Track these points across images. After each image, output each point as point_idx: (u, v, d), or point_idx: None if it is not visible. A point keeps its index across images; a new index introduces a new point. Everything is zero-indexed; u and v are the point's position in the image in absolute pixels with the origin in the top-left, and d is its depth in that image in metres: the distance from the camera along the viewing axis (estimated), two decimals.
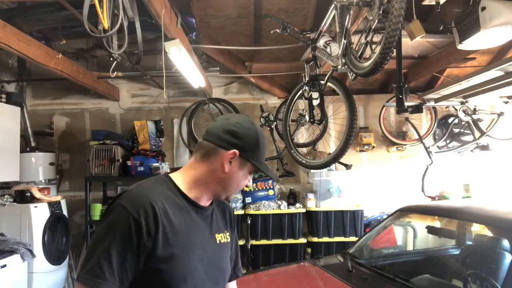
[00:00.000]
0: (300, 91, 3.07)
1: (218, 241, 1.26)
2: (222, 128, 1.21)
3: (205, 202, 1.24)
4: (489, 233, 2.73)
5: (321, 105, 2.89)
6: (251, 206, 4.53)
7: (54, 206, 4.02)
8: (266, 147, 1.29)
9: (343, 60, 2.27)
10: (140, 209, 1.06)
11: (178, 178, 1.22)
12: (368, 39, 2.05)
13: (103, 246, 1.04)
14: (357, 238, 3.84)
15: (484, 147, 4.83)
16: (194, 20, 3.53)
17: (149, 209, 1.07)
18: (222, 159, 1.18)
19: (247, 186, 1.33)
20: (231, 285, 1.43)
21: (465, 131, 4.86)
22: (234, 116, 1.29)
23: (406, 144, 4.96)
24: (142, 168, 4.42)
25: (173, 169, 4.54)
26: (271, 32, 2.98)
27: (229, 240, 1.33)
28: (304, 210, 4.50)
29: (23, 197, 3.81)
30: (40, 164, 4.41)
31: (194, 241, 1.16)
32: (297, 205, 4.59)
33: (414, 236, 3.84)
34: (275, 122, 4.66)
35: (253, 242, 4.40)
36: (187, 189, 1.20)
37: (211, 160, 1.20)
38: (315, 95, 2.91)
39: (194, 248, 1.14)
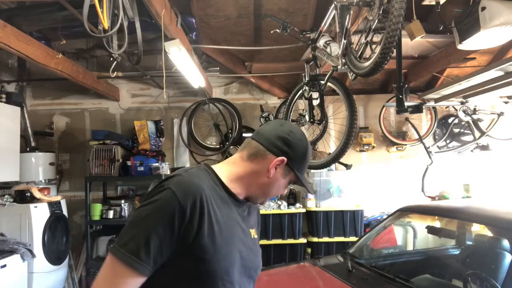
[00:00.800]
0: (300, 91, 3.07)
1: (252, 236, 1.27)
2: (275, 133, 1.21)
3: (242, 197, 1.24)
4: (489, 233, 2.73)
5: (321, 105, 2.89)
6: None
7: (54, 206, 4.02)
8: (309, 162, 1.30)
9: (343, 60, 2.27)
10: (188, 196, 1.05)
11: (221, 171, 1.21)
12: (368, 39, 2.05)
13: (145, 226, 1.02)
14: (357, 238, 3.84)
15: (484, 147, 4.83)
16: (194, 20, 3.52)
17: (197, 198, 1.05)
18: (269, 164, 1.19)
19: (281, 194, 1.32)
20: None
21: (465, 131, 4.86)
22: (288, 124, 1.29)
23: (406, 144, 4.97)
24: (142, 168, 4.42)
25: (173, 169, 4.56)
26: (271, 32, 2.98)
27: (257, 237, 1.33)
28: (304, 210, 4.50)
29: (23, 197, 3.80)
30: (40, 164, 4.41)
31: (235, 234, 1.15)
32: (297, 205, 4.59)
33: (414, 236, 3.84)
34: None
35: None
36: (228, 183, 1.20)
37: (258, 161, 1.20)
38: (315, 95, 2.91)
39: (235, 241, 1.14)
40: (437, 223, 3.23)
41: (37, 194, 3.88)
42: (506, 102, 4.34)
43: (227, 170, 1.22)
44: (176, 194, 1.04)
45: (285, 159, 1.19)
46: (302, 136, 1.25)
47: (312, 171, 4.52)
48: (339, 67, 2.38)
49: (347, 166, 4.56)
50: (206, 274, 1.07)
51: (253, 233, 1.28)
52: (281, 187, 1.26)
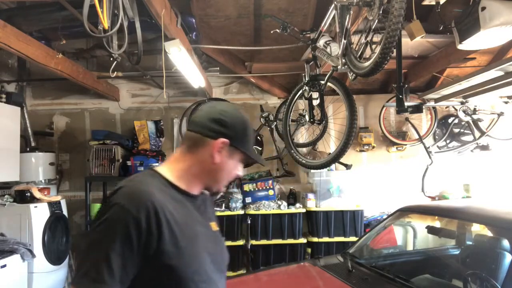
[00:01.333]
0: (300, 91, 3.07)
1: (213, 229, 1.23)
2: (208, 117, 1.16)
3: (195, 191, 1.19)
4: (489, 233, 2.73)
5: (321, 105, 2.89)
6: (251, 206, 4.53)
7: (54, 206, 4.02)
8: (253, 136, 1.25)
9: (343, 60, 2.27)
10: (140, 206, 0.99)
11: (166, 171, 1.16)
12: (368, 39, 2.05)
13: (101, 248, 0.97)
14: (357, 238, 3.84)
15: (484, 147, 4.83)
16: (194, 20, 3.52)
17: (149, 206, 1.00)
18: (211, 149, 1.13)
19: (238, 177, 1.27)
20: None
21: (465, 131, 4.86)
22: (219, 103, 1.23)
23: (406, 144, 4.96)
24: (142, 168, 4.42)
25: None
26: (271, 32, 2.98)
27: (218, 228, 1.29)
28: (304, 210, 4.50)
29: (23, 197, 3.80)
30: (40, 164, 4.41)
31: (196, 232, 1.12)
32: (297, 205, 4.59)
33: (414, 236, 3.84)
34: (275, 122, 4.66)
35: (253, 242, 4.40)
36: (177, 181, 1.15)
37: (199, 151, 1.15)
38: (315, 95, 2.91)
39: (198, 239, 1.11)
40: (437, 223, 3.23)
41: (37, 194, 3.88)
42: (506, 102, 4.34)
43: (172, 168, 1.17)
44: (126, 208, 0.98)
45: (226, 140, 1.14)
46: (237, 112, 1.20)
47: (312, 171, 4.52)
48: (339, 67, 2.38)
49: (347, 166, 4.56)
50: (177, 280, 1.03)
51: (214, 225, 1.25)
52: (232, 170, 1.20)
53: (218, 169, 1.17)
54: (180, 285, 1.03)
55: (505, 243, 2.36)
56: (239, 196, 4.57)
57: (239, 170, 1.24)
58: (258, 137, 4.95)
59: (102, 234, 0.99)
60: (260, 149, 4.97)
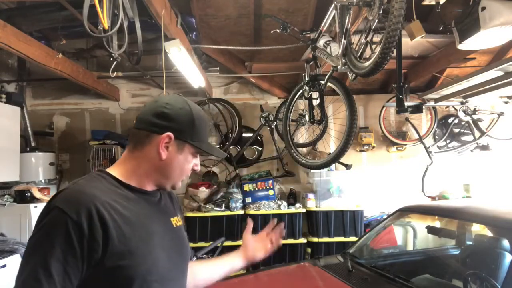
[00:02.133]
0: (300, 91, 3.07)
1: (174, 225, 1.19)
2: (151, 112, 1.10)
3: (149, 188, 1.14)
4: (489, 233, 2.73)
5: (321, 105, 2.89)
6: (251, 206, 4.53)
7: None
8: (207, 125, 1.19)
9: (343, 60, 2.27)
10: (80, 208, 0.94)
11: (115, 172, 1.11)
12: (368, 39, 2.05)
13: (39, 255, 0.91)
14: (357, 238, 3.84)
15: (484, 147, 4.84)
16: (194, 20, 3.53)
17: (91, 208, 0.94)
18: (158, 146, 1.08)
19: (194, 170, 1.20)
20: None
21: (465, 131, 4.87)
22: (164, 97, 1.15)
23: (406, 144, 4.97)
24: None
25: None
26: (271, 32, 2.98)
27: (182, 223, 1.25)
28: (304, 210, 4.50)
29: (23, 197, 3.80)
30: (40, 164, 4.41)
31: (151, 229, 1.07)
32: (297, 205, 4.59)
33: (414, 236, 3.85)
34: (275, 122, 4.66)
35: None
36: (128, 180, 1.10)
37: (146, 148, 1.10)
38: (315, 95, 2.91)
39: (152, 237, 1.06)
40: (437, 223, 3.23)
41: (37, 194, 3.87)
42: (506, 102, 4.34)
43: (120, 169, 1.12)
44: (65, 211, 0.93)
45: (171, 134, 1.08)
46: (183, 103, 1.13)
47: (312, 171, 4.52)
48: (339, 67, 2.38)
49: (347, 166, 4.56)
50: (128, 280, 0.98)
51: (175, 221, 1.20)
52: (184, 164, 1.14)
53: (167, 165, 1.11)
54: (133, 285, 0.99)
55: (505, 243, 2.37)
56: (239, 196, 4.56)
57: (196, 165, 1.19)
58: (258, 137, 4.96)
59: (41, 239, 0.94)
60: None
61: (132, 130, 1.14)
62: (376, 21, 1.91)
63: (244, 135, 4.91)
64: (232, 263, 1.48)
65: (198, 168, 1.21)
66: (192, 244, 4.11)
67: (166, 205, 1.21)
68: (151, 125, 1.09)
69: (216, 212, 4.37)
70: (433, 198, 4.70)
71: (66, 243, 0.91)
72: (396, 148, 5.01)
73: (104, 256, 0.95)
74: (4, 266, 3.19)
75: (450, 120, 4.93)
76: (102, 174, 1.09)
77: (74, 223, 0.92)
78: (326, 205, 4.54)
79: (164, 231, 1.12)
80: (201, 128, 1.15)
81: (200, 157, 1.23)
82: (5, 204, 3.75)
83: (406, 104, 2.87)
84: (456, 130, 4.93)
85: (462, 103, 4.36)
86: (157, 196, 1.17)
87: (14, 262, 3.34)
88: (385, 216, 4.02)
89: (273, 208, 4.48)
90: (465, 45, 2.77)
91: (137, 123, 1.12)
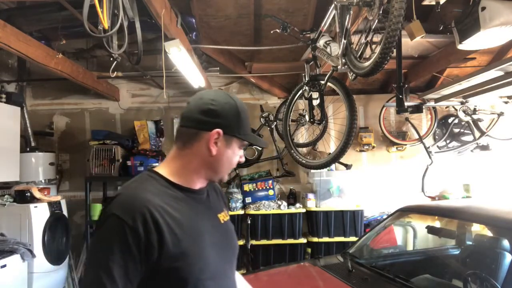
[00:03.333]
0: (300, 91, 3.07)
1: (222, 221, 1.22)
2: (198, 109, 1.13)
3: (199, 185, 1.18)
4: (489, 233, 2.73)
5: (321, 105, 2.89)
6: (251, 206, 4.53)
7: (54, 206, 4.02)
8: (249, 117, 1.21)
9: (343, 60, 2.27)
10: (135, 214, 0.98)
11: (164, 171, 1.14)
12: (368, 39, 2.05)
13: (102, 261, 0.96)
14: (357, 238, 3.84)
15: (484, 147, 4.83)
16: (194, 20, 3.52)
17: (145, 213, 0.99)
18: (207, 142, 1.11)
19: (239, 162, 1.23)
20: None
21: (465, 131, 4.86)
22: (208, 93, 1.19)
23: (406, 144, 4.96)
24: (142, 168, 4.42)
25: None
26: (271, 32, 2.98)
27: (229, 217, 1.29)
28: (304, 210, 4.50)
29: (23, 197, 3.80)
30: (40, 164, 4.40)
31: (201, 228, 1.10)
32: (297, 205, 4.59)
33: (414, 236, 3.84)
34: (275, 122, 4.66)
35: (253, 242, 4.40)
36: (178, 179, 1.13)
37: (195, 145, 1.13)
38: (315, 95, 2.91)
39: (202, 236, 1.09)
40: (437, 223, 3.23)
41: (37, 194, 3.88)
42: (506, 102, 4.33)
43: (170, 167, 1.15)
44: (121, 217, 0.97)
45: (220, 130, 1.11)
46: (227, 98, 1.16)
47: (312, 171, 4.52)
48: (339, 67, 2.38)
49: (347, 166, 4.56)
50: (182, 281, 1.02)
51: (222, 216, 1.23)
52: (232, 158, 1.17)
53: (217, 160, 1.14)
54: (187, 285, 1.02)
55: (505, 243, 2.37)
56: (239, 196, 4.57)
57: (241, 156, 1.22)
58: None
59: (100, 246, 0.99)
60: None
61: (180, 129, 1.17)
62: (376, 21, 1.91)
63: None
64: None
65: (243, 159, 1.25)
66: None
67: (213, 202, 1.24)
68: (199, 122, 1.12)
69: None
70: (433, 198, 4.70)
71: (125, 248, 0.96)
72: (396, 148, 5.01)
73: (160, 258, 0.99)
74: (4, 266, 3.19)
75: (450, 120, 4.92)
76: (152, 175, 1.13)
77: (130, 228, 0.96)
78: (326, 205, 4.54)
79: (212, 228, 1.15)
80: (246, 120, 1.18)
81: None
82: (5, 204, 3.75)
83: (406, 104, 2.88)
84: (456, 130, 4.93)
85: (462, 103, 4.36)
86: (204, 194, 1.20)
87: (14, 262, 3.34)
88: (385, 216, 4.02)
89: (273, 208, 4.48)
90: (465, 45, 2.77)
91: (184, 121, 1.16)
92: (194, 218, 1.10)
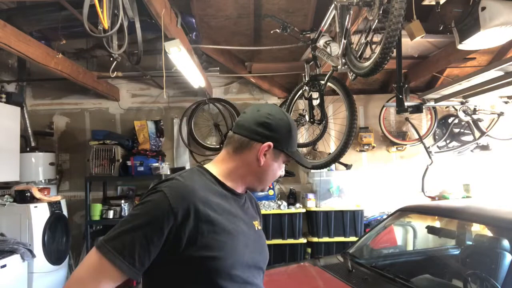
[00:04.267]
0: (300, 91, 3.07)
1: (256, 228, 1.27)
2: (254, 120, 1.19)
3: (240, 190, 1.25)
4: (489, 233, 2.73)
5: (321, 105, 2.89)
6: None
7: (54, 206, 4.02)
8: (297, 135, 1.29)
9: (343, 60, 2.27)
10: (181, 200, 1.05)
11: (214, 170, 1.22)
12: (368, 39, 2.05)
13: (134, 226, 1.02)
14: (357, 238, 3.84)
15: (484, 147, 4.83)
16: (194, 20, 3.53)
17: (190, 201, 1.06)
18: (257, 153, 1.18)
19: (281, 176, 1.30)
20: None
21: (465, 131, 4.86)
22: (265, 106, 1.25)
23: (406, 144, 4.96)
24: (142, 168, 4.42)
25: (174, 169, 4.56)
26: (271, 32, 2.98)
27: (261, 228, 1.34)
28: (304, 210, 4.50)
29: (23, 197, 3.80)
30: (40, 164, 4.41)
31: (238, 228, 1.15)
32: (297, 205, 4.59)
33: (414, 236, 3.85)
34: None
35: None
36: (224, 179, 1.20)
37: (245, 153, 1.20)
38: (315, 95, 2.90)
39: (238, 235, 1.14)
40: (437, 223, 3.23)
41: (37, 194, 3.88)
42: (506, 102, 4.33)
43: (219, 168, 1.22)
44: (168, 197, 1.04)
45: (271, 143, 1.17)
46: (282, 114, 1.23)
47: (312, 171, 4.52)
48: (339, 67, 2.38)
49: (347, 166, 4.56)
50: (215, 271, 1.07)
51: (257, 224, 1.28)
52: (276, 171, 1.25)
53: (264, 171, 1.21)
54: (217, 277, 1.07)
55: (505, 243, 2.36)
56: None
57: (282, 171, 1.28)
58: None
59: (140, 213, 1.05)
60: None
61: (233, 135, 1.23)
62: (376, 21, 1.91)
63: None
64: None
65: (283, 173, 1.31)
66: None
67: (250, 209, 1.30)
68: (253, 133, 1.18)
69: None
70: (433, 198, 4.70)
71: (157, 225, 1.02)
72: (396, 148, 5.01)
73: (193, 246, 1.04)
74: (4, 266, 3.19)
75: (450, 120, 4.92)
76: (202, 170, 1.21)
77: (171, 209, 1.03)
78: (326, 205, 4.54)
79: (248, 231, 1.20)
80: (295, 138, 1.25)
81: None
82: (5, 204, 3.75)
83: (406, 104, 2.87)
84: (456, 130, 4.93)
85: (462, 103, 4.35)
86: (243, 199, 1.27)
87: (14, 262, 3.34)
88: (385, 216, 4.02)
89: (273, 208, 4.48)
90: (465, 45, 2.77)
91: (238, 129, 1.22)
92: (233, 217, 1.16)
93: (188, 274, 1.07)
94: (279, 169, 1.26)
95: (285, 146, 1.21)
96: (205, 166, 1.24)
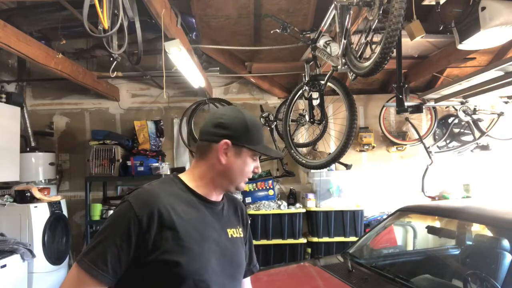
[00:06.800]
0: (300, 91, 3.07)
1: (230, 236, 1.28)
2: (210, 123, 1.25)
3: (215, 197, 1.27)
4: (489, 233, 2.73)
5: (321, 105, 2.89)
6: (251, 206, 4.53)
7: (54, 206, 4.02)
8: (261, 130, 1.29)
9: (343, 60, 2.27)
10: (145, 207, 1.10)
11: (186, 178, 1.26)
12: (368, 39, 2.05)
13: (104, 237, 1.09)
14: (357, 238, 3.84)
15: (484, 147, 4.83)
16: (194, 20, 3.53)
17: (154, 208, 1.10)
18: (217, 153, 1.21)
19: (255, 173, 1.30)
20: (246, 281, 1.46)
21: (465, 131, 4.86)
22: (220, 109, 1.32)
23: (406, 144, 4.96)
24: (142, 168, 4.43)
25: (173, 169, 4.56)
26: (271, 32, 2.98)
27: (242, 235, 1.35)
28: (304, 210, 4.50)
29: (23, 197, 3.80)
30: (40, 164, 4.41)
31: (206, 235, 1.18)
32: (297, 205, 4.59)
33: (414, 236, 3.85)
34: (275, 122, 4.66)
35: (253, 242, 4.38)
36: (196, 187, 1.24)
37: (209, 156, 1.24)
38: (315, 95, 2.91)
39: (206, 242, 1.17)
40: (437, 223, 3.23)
41: (37, 194, 3.88)
42: (506, 102, 4.33)
43: (191, 175, 1.27)
44: (132, 206, 1.10)
45: (228, 141, 1.20)
46: (237, 112, 1.26)
47: (312, 171, 4.52)
48: (339, 67, 2.38)
49: (347, 166, 4.56)
50: (177, 277, 1.10)
51: (232, 232, 1.30)
52: (243, 168, 1.25)
53: (228, 169, 1.23)
54: (181, 282, 1.10)
55: (505, 243, 2.36)
56: (239, 196, 4.57)
57: (257, 167, 1.29)
58: None
59: (109, 223, 1.12)
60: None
61: (198, 143, 1.29)
62: (376, 21, 1.91)
63: None
64: None
65: (259, 170, 1.32)
66: None
67: (227, 216, 1.32)
68: (210, 135, 1.23)
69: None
70: (433, 198, 4.70)
71: (125, 233, 1.08)
72: (396, 148, 5.01)
73: (158, 250, 1.08)
74: (4, 266, 3.19)
75: (450, 120, 4.92)
76: (175, 179, 1.25)
77: (136, 217, 1.08)
78: (326, 205, 4.54)
79: (218, 239, 1.22)
80: (256, 132, 1.26)
81: None
82: (5, 204, 3.75)
83: (406, 104, 2.87)
84: (456, 130, 4.93)
85: (462, 103, 4.36)
86: (219, 206, 1.29)
87: (14, 262, 3.34)
88: (385, 216, 4.02)
89: (273, 208, 4.48)
90: (465, 45, 2.77)
91: (200, 135, 1.28)
92: (201, 223, 1.19)
93: (153, 279, 1.10)
94: (247, 166, 1.25)
95: (244, 141, 1.22)
96: (180, 174, 1.28)
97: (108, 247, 1.07)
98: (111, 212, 4.34)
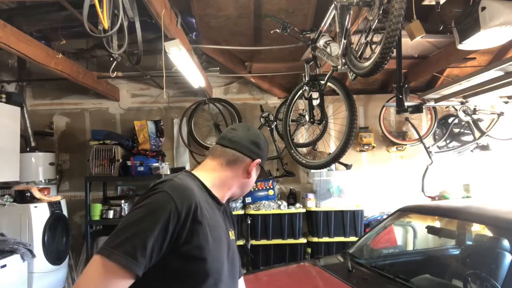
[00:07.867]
0: (300, 91, 3.07)
1: (231, 238, 1.34)
2: (248, 139, 1.35)
3: (223, 201, 1.34)
4: (489, 233, 2.73)
5: (321, 105, 2.89)
6: (251, 206, 4.53)
7: (54, 206, 4.02)
8: None
9: (343, 60, 2.27)
10: (185, 200, 1.10)
11: (204, 178, 1.29)
12: (368, 39, 2.05)
13: (142, 228, 1.04)
14: (357, 238, 3.84)
15: (484, 147, 4.84)
16: (194, 20, 3.53)
17: (192, 202, 1.11)
18: (248, 167, 1.33)
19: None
20: (240, 282, 1.48)
21: (465, 131, 4.86)
22: (253, 127, 1.45)
23: (406, 144, 4.97)
24: (142, 168, 4.42)
25: (173, 169, 4.56)
26: (271, 32, 2.98)
27: (235, 237, 1.40)
28: (304, 210, 4.50)
29: (23, 197, 3.80)
30: (40, 164, 4.41)
31: (222, 236, 1.23)
32: (297, 205, 4.59)
33: (414, 236, 3.85)
34: (275, 122, 4.66)
35: (253, 242, 4.40)
36: (212, 187, 1.28)
37: (237, 166, 1.32)
38: (315, 95, 2.91)
39: (222, 243, 1.22)
40: (437, 223, 3.23)
41: (37, 194, 3.88)
42: (506, 102, 4.34)
43: (210, 176, 1.31)
44: (173, 198, 1.08)
45: (259, 160, 1.36)
46: (263, 136, 1.44)
47: (312, 171, 4.52)
48: (339, 67, 2.38)
49: (347, 166, 4.56)
50: (202, 273, 1.11)
51: (231, 234, 1.36)
52: (253, 182, 1.41)
53: (248, 182, 1.37)
54: (204, 279, 1.12)
55: (505, 243, 2.36)
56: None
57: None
58: None
59: (145, 214, 1.06)
60: None
61: (225, 149, 1.34)
62: (376, 21, 1.91)
63: None
64: None
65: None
66: None
67: (227, 219, 1.39)
68: (248, 150, 1.34)
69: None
70: (433, 198, 4.70)
71: (164, 225, 1.05)
72: (396, 148, 5.01)
73: (188, 244, 1.09)
74: (4, 266, 3.19)
75: (450, 120, 4.92)
76: (192, 176, 1.27)
77: (176, 209, 1.07)
78: (326, 205, 4.54)
79: (227, 240, 1.29)
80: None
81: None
82: (5, 204, 3.75)
83: (406, 104, 2.87)
84: (456, 130, 4.93)
85: (462, 103, 4.36)
86: (222, 209, 1.36)
87: (14, 262, 3.34)
88: (385, 216, 4.02)
89: (273, 208, 4.48)
90: (465, 45, 2.77)
91: (233, 145, 1.34)
92: (217, 225, 1.23)
93: (178, 273, 1.10)
94: (254, 180, 1.42)
95: (263, 162, 1.41)
96: (195, 173, 1.30)
97: (147, 238, 1.02)
98: (111, 212, 4.35)
